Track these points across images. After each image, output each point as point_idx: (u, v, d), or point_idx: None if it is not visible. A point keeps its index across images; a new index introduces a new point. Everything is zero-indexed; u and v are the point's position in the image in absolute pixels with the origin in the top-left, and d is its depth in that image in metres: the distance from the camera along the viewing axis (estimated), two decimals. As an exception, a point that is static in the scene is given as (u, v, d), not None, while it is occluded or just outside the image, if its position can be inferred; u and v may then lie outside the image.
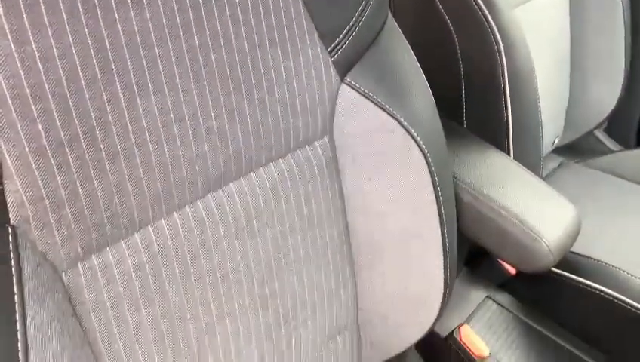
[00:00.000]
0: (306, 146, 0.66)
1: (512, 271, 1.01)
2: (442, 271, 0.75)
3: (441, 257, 0.75)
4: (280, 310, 0.66)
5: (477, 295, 1.01)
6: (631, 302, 0.89)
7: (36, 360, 0.39)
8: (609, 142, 1.43)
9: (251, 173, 0.60)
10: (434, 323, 0.81)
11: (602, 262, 0.94)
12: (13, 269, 0.40)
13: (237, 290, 0.60)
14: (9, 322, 0.39)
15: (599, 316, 0.92)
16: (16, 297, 0.39)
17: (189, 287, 0.55)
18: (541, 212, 0.79)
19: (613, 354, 0.92)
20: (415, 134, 0.69)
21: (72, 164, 0.44)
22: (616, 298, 0.89)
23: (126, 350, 0.51)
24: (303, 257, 0.68)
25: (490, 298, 1.01)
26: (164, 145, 0.50)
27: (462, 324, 0.86)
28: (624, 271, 0.92)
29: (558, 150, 1.35)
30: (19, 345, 0.38)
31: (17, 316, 0.39)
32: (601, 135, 1.44)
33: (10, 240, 0.41)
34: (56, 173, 0.43)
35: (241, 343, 0.62)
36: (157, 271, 0.52)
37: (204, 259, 0.56)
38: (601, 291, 0.91)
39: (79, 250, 0.46)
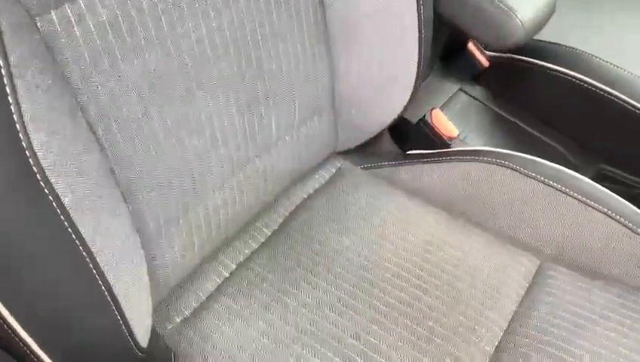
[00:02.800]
0: None
1: (485, 63, 1.03)
2: (417, 49, 0.76)
3: (417, 35, 0.75)
4: (257, 85, 0.68)
5: (450, 87, 1.04)
6: (601, 86, 0.92)
7: (19, 90, 0.41)
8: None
9: None
10: (406, 106, 0.84)
11: (575, 49, 0.96)
12: None
13: (213, 58, 0.61)
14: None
15: (567, 101, 0.96)
16: None
17: (165, 52, 0.56)
18: (516, -11, 0.79)
19: (575, 135, 0.98)
20: None
21: None
22: (586, 82, 0.93)
23: (110, 105, 0.53)
24: (278, 33, 0.68)
25: (463, 90, 1.04)
26: None
27: (433, 108, 0.90)
28: (597, 58, 0.94)
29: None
30: (2, 70, 0.39)
31: None
32: None
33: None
34: None
35: (222, 113, 0.64)
36: (133, 28, 0.52)
37: (179, 23, 0.56)
38: (572, 77, 0.94)
39: None
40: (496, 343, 0.66)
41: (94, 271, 0.48)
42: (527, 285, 0.72)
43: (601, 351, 0.63)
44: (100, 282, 0.49)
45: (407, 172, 0.87)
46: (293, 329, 0.66)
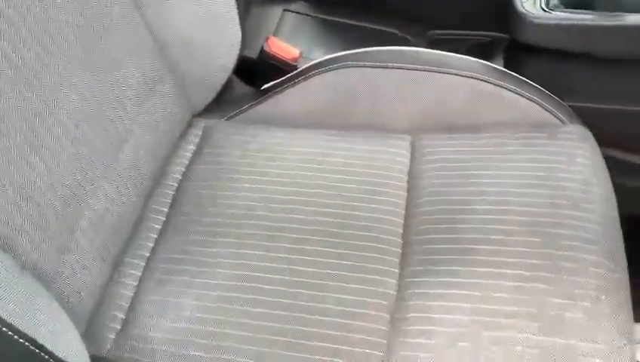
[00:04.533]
0: None
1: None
2: None
3: None
4: (89, 75, 0.63)
5: (274, 12, 1.03)
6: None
7: None
8: None
9: None
10: (242, 45, 0.83)
11: None
12: None
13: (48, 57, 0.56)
14: None
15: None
16: None
17: None
18: None
19: (403, 14, 1.02)
20: None
21: None
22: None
23: None
24: (92, 18, 0.63)
25: (287, 10, 1.04)
26: None
27: (268, 37, 0.89)
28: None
29: None
30: None
31: None
32: None
33: None
34: None
35: (65, 118, 0.60)
36: None
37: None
38: None
39: None
40: (402, 228, 0.70)
41: (4, 329, 0.44)
42: (408, 161, 0.76)
43: (493, 188, 0.70)
44: (15, 337, 0.45)
45: (268, 106, 0.87)
46: (224, 293, 0.66)
